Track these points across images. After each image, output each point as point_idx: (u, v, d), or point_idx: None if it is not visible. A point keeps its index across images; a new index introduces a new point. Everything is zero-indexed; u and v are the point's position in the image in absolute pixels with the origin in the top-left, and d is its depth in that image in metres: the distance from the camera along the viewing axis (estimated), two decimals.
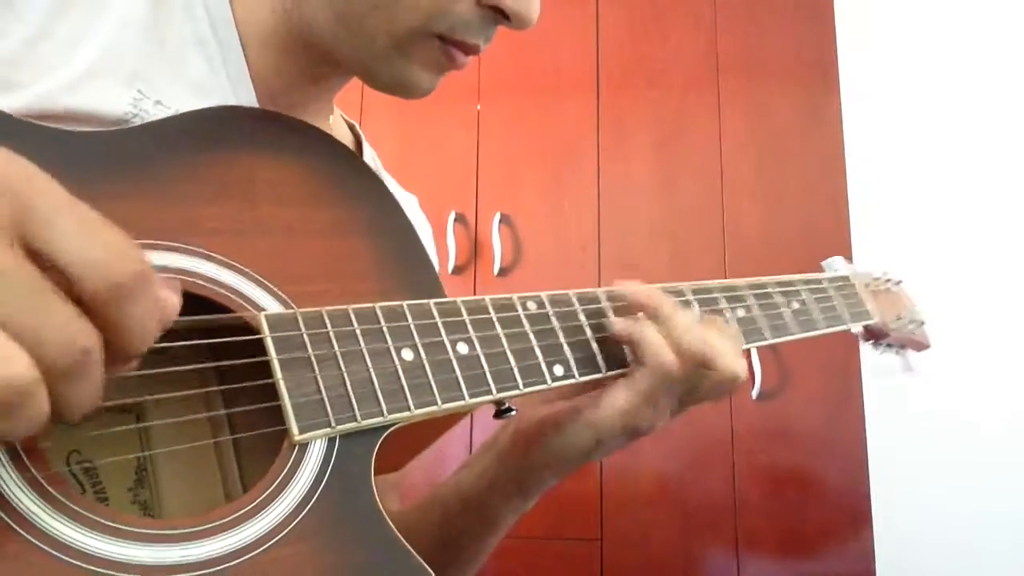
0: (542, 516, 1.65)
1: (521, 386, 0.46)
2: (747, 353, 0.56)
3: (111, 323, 0.27)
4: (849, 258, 0.82)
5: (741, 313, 0.59)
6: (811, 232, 1.77)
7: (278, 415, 0.38)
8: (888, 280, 0.78)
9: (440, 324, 0.45)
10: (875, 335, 0.76)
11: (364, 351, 0.41)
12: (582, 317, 0.51)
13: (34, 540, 0.30)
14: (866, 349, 0.78)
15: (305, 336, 0.40)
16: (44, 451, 0.32)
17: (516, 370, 0.47)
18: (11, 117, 0.38)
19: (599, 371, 0.50)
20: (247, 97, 0.53)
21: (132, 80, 0.47)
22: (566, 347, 0.50)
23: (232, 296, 0.40)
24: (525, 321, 0.49)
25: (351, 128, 0.66)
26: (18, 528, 0.30)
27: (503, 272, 1.85)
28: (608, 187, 1.88)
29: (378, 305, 0.43)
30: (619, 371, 0.51)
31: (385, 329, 0.43)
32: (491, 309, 0.48)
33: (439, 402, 0.43)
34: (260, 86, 0.53)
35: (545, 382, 0.48)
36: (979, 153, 1.80)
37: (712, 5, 1.94)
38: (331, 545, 0.36)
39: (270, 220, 0.44)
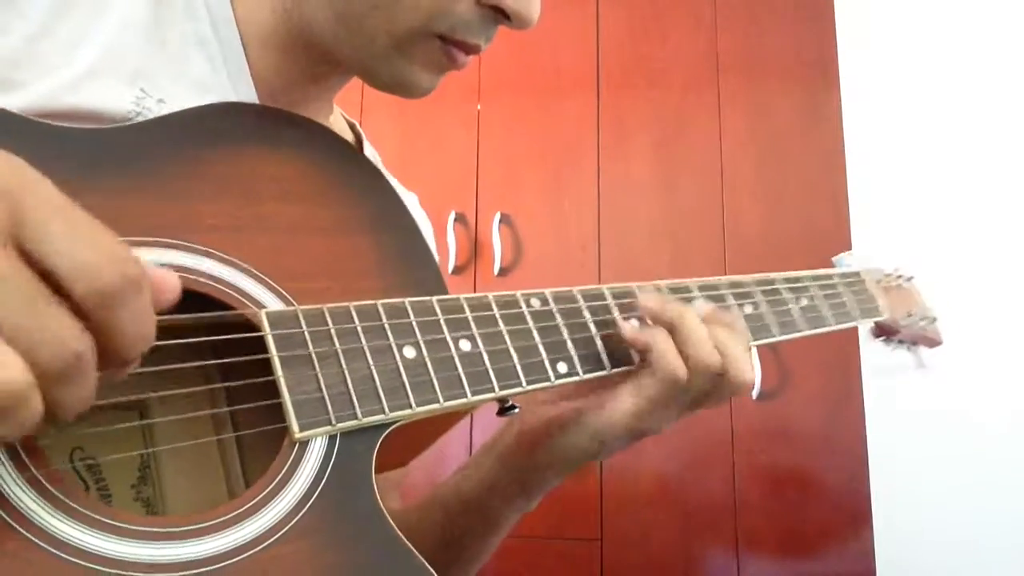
0: (542, 516, 1.64)
1: (524, 383, 0.46)
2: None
3: (103, 327, 0.27)
4: None
5: (749, 310, 0.58)
6: (811, 231, 1.77)
7: (280, 413, 0.38)
8: (900, 276, 0.77)
9: (443, 321, 0.45)
10: (886, 331, 0.75)
11: (365, 348, 0.41)
12: (587, 314, 0.51)
13: (33, 538, 0.30)
14: (867, 348, 0.77)
15: (306, 333, 0.40)
16: (44, 449, 0.32)
17: (519, 367, 0.46)
18: (11, 113, 0.38)
19: (603, 369, 0.50)
20: (248, 96, 0.53)
21: (134, 79, 0.47)
22: (570, 344, 0.49)
23: (233, 293, 0.40)
24: (529, 318, 0.48)
25: (352, 127, 0.66)
26: (17, 526, 0.30)
27: (503, 272, 1.85)
28: (608, 187, 1.88)
29: (380, 302, 0.43)
30: (624, 368, 0.51)
31: (387, 326, 0.43)
32: (494, 306, 0.47)
33: (441, 400, 0.42)
34: (261, 85, 0.53)
35: (549, 379, 0.47)
36: (979, 152, 1.80)
37: (712, 5, 1.94)
38: (331, 543, 0.36)
39: (274, 217, 0.44)
